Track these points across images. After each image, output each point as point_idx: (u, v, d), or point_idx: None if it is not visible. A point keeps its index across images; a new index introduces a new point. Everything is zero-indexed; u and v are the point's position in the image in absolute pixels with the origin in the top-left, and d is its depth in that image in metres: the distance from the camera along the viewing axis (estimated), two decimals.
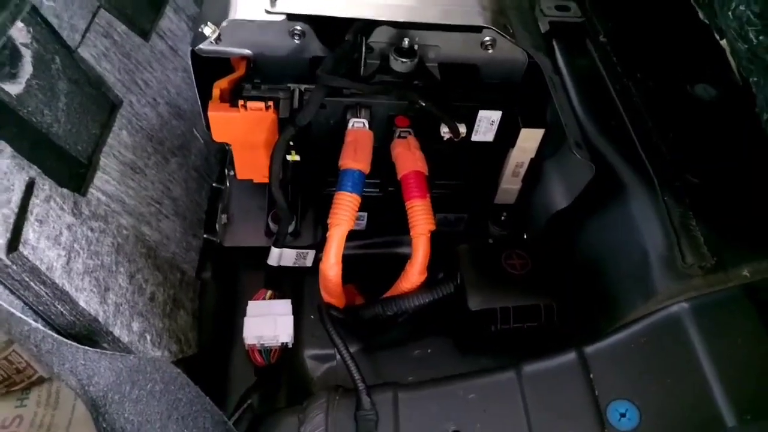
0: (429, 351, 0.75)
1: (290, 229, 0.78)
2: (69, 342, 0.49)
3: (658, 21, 0.82)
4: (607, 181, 0.66)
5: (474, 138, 0.72)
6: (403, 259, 0.69)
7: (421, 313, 0.69)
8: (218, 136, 0.69)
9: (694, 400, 0.54)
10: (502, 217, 0.79)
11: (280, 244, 0.76)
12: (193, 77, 0.69)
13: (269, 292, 0.77)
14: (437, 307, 0.68)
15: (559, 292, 0.65)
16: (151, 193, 0.75)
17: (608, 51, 0.78)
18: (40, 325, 0.49)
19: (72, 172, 0.64)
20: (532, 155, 0.75)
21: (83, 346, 0.50)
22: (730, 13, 0.51)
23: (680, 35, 0.80)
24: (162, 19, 0.87)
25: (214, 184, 0.89)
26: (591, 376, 0.57)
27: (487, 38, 0.69)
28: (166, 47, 0.87)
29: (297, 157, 0.70)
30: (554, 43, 0.79)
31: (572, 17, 0.81)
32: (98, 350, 0.51)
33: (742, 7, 0.49)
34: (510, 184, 0.78)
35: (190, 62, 0.68)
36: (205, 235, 0.83)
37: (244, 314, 0.73)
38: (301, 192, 0.81)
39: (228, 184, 0.87)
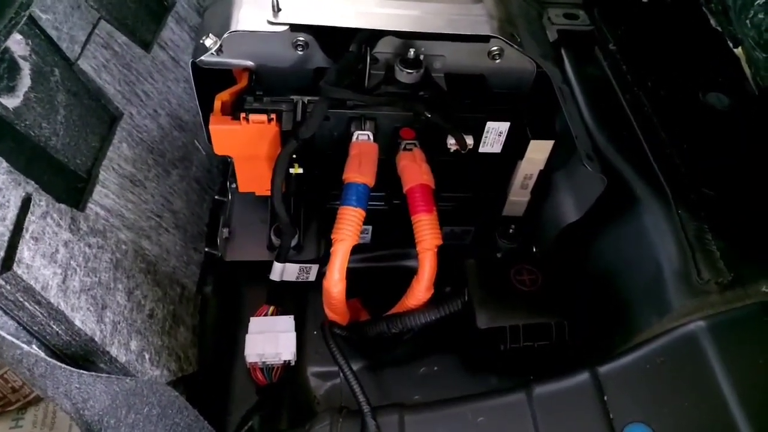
0: (435, 369, 0.73)
1: (293, 243, 0.77)
2: (63, 365, 0.48)
3: (669, 28, 0.81)
4: (619, 193, 0.64)
5: (481, 149, 0.70)
6: (409, 273, 0.67)
7: (428, 330, 0.67)
8: (220, 149, 0.68)
9: (712, 423, 0.52)
10: (510, 230, 0.77)
11: (282, 259, 0.74)
12: (195, 90, 0.68)
13: (271, 308, 0.76)
14: (444, 324, 0.66)
15: (571, 310, 0.63)
16: (151, 206, 0.74)
17: (618, 59, 0.76)
18: (33, 349, 0.47)
19: (70, 187, 0.63)
20: (541, 167, 0.73)
21: (78, 369, 0.48)
22: (748, 21, 0.50)
23: (691, 42, 0.78)
24: (164, 29, 0.86)
25: (216, 197, 0.87)
26: (605, 398, 0.54)
27: (494, 48, 0.68)
28: (168, 58, 0.86)
29: (300, 170, 0.69)
30: (563, 52, 0.77)
31: (581, 25, 0.79)
32: (93, 373, 0.49)
33: (760, 15, 0.48)
34: (518, 196, 0.77)
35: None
36: (206, 249, 0.82)
37: (245, 330, 0.72)
38: (303, 205, 0.80)
39: (230, 197, 0.86)
